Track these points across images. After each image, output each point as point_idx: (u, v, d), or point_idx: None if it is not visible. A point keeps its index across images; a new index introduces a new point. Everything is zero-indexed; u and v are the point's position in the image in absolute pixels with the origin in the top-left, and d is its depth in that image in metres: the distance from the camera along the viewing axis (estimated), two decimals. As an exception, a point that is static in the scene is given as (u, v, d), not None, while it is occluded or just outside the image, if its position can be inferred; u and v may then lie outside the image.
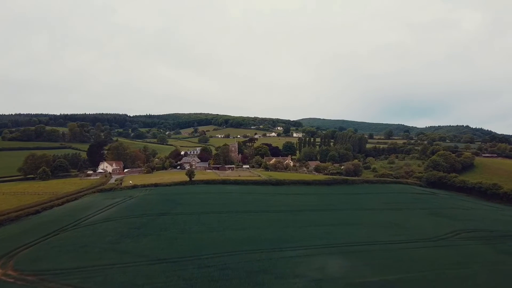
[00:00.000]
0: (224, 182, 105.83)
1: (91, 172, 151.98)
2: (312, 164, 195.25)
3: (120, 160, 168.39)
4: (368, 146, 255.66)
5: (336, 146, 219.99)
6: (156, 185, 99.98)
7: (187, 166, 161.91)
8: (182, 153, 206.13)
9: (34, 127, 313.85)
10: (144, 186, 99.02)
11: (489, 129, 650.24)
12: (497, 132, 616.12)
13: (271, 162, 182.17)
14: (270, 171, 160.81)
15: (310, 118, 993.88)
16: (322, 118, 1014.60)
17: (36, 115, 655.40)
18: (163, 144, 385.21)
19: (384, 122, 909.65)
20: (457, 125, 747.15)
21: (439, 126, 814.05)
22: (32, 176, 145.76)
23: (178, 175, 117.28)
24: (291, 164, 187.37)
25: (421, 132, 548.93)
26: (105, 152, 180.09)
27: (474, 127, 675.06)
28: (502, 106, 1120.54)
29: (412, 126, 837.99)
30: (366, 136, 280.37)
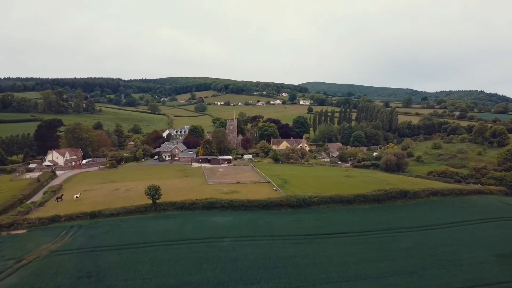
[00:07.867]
0: (211, 205, 63.34)
1: (35, 165, 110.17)
2: (333, 147, 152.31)
3: (78, 147, 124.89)
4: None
5: (361, 124, 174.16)
6: (93, 215, 58.17)
7: (167, 157, 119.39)
8: (165, 134, 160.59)
9: (0, 95, 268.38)
10: (71, 218, 57.32)
11: (504, 94, 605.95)
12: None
13: (280, 147, 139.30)
14: (281, 162, 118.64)
15: (314, 82, 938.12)
16: (327, 82, 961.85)
17: (26, 80, 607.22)
18: (154, 113, 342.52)
19: (391, 86, 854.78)
20: (471, 90, 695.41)
21: (450, 90, 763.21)
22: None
23: (143, 181, 75.81)
24: (307, 149, 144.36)
25: (441, 99, 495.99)
26: (61, 135, 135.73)
27: (488, 92, 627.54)
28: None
29: (422, 91, 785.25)
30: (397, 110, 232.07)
